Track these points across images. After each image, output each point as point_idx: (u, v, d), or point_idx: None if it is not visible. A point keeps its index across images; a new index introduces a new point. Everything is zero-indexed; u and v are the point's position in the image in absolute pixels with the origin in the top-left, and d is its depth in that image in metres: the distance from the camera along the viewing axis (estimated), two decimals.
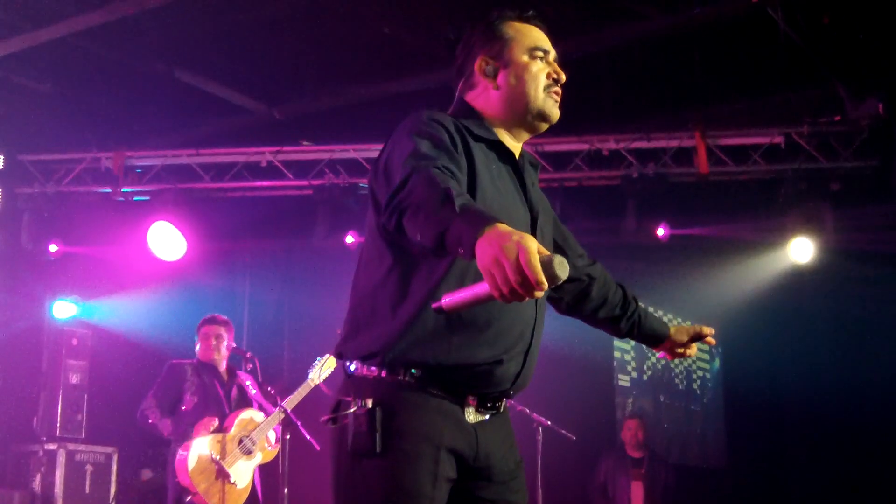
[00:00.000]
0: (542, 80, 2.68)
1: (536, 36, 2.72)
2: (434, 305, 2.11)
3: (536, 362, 2.62)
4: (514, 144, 2.73)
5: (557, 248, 2.85)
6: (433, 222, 2.08)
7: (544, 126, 2.73)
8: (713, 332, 3.04)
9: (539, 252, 1.90)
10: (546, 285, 1.90)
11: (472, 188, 2.45)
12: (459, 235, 2.01)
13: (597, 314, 2.98)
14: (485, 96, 2.70)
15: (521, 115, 2.68)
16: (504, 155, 2.66)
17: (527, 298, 1.93)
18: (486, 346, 2.45)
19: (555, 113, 2.70)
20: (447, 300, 2.09)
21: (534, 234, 2.63)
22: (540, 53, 2.69)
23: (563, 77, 2.71)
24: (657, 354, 3.14)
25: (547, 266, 1.90)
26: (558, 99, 2.71)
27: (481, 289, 2.00)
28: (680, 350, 3.07)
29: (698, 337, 3.04)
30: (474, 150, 2.52)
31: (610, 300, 2.98)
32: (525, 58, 2.68)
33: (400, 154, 2.34)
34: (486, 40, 2.71)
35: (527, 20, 2.74)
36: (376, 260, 2.52)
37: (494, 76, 2.68)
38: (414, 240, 2.16)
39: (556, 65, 2.72)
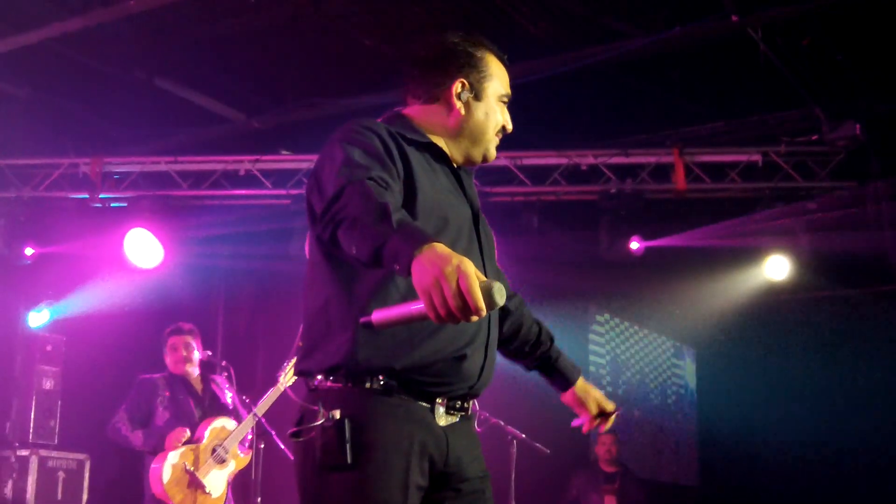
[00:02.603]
0: (499, 126, 2.78)
1: (507, 82, 2.82)
2: (362, 320, 2.12)
3: (501, 366, 2.67)
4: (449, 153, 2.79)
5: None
6: (369, 237, 2.10)
7: (480, 163, 2.82)
8: (614, 407, 3.08)
9: (477, 277, 1.94)
10: (485, 312, 1.94)
11: (410, 189, 2.47)
12: (396, 252, 2.04)
13: (507, 347, 3.01)
14: (444, 114, 2.74)
15: (472, 145, 2.76)
16: (438, 156, 2.70)
17: (461, 322, 1.96)
18: (447, 343, 2.47)
19: (494, 156, 2.82)
20: (377, 316, 2.09)
21: (476, 228, 2.69)
22: (505, 100, 2.80)
23: (510, 129, 2.81)
24: (573, 424, 3.16)
25: (486, 292, 1.94)
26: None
27: (416, 308, 2.02)
28: (596, 422, 3.08)
29: (603, 412, 3.08)
30: (409, 152, 2.55)
31: (522, 336, 3.01)
32: (495, 99, 2.77)
33: (331, 164, 2.37)
34: (469, 66, 2.75)
35: (503, 61, 2.83)
36: (321, 273, 2.52)
37: (465, 102, 2.72)
38: (349, 253, 2.18)
39: (507, 114, 2.82)
